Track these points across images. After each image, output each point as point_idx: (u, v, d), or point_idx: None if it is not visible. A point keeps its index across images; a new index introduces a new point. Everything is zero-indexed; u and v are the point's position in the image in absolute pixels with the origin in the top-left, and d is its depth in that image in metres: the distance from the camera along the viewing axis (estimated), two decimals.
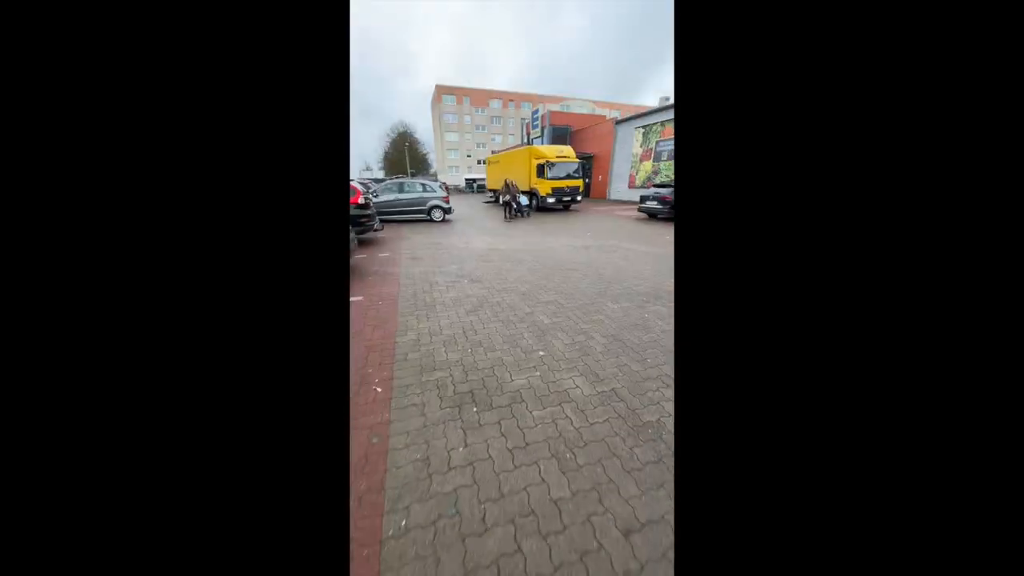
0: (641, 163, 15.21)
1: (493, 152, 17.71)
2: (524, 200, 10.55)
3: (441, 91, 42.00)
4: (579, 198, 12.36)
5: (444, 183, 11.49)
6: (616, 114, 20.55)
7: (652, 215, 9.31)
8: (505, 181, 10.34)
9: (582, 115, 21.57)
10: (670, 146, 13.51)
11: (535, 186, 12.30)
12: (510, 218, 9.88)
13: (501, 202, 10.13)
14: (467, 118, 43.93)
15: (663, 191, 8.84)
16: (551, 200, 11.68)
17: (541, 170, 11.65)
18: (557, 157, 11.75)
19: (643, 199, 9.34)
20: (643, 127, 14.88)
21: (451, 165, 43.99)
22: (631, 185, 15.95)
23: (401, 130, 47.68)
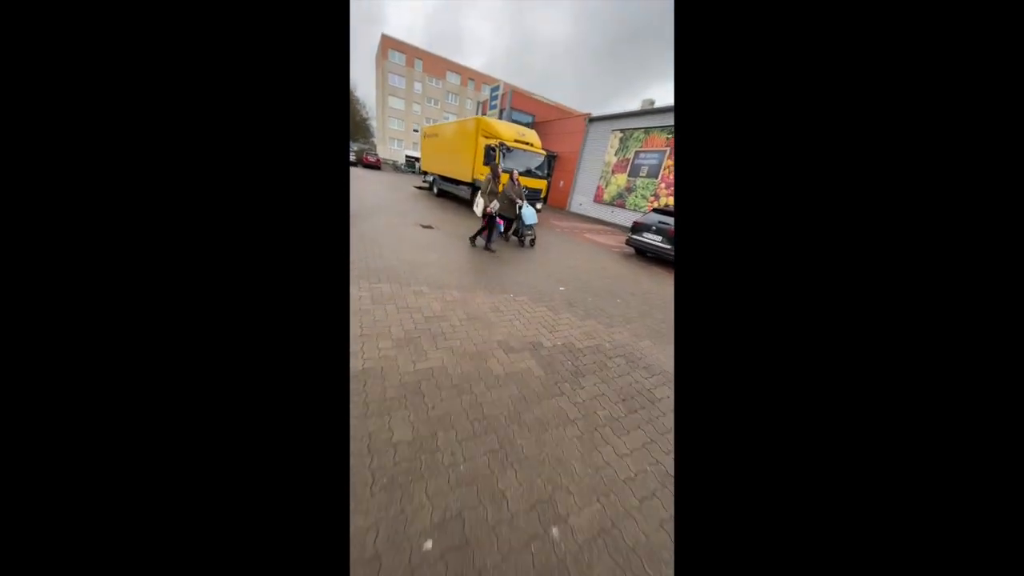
0: (613, 175, 12.51)
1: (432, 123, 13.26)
2: (531, 215, 5.53)
3: (388, 44, 35.00)
4: (539, 205, 8.94)
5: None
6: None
7: (642, 252, 6.29)
8: (493, 168, 5.11)
9: (549, 105, 18.39)
10: (654, 160, 10.95)
11: (479, 177, 8.45)
12: (491, 246, 4.99)
13: (481, 212, 5.07)
14: (417, 85, 37.64)
15: (671, 223, 5.82)
16: None
17: (490, 155, 7.86)
18: (516, 141, 8.09)
19: (638, 228, 6.18)
20: (622, 131, 12.16)
21: (393, 136, 37.33)
22: (598, 198, 13.20)
23: None
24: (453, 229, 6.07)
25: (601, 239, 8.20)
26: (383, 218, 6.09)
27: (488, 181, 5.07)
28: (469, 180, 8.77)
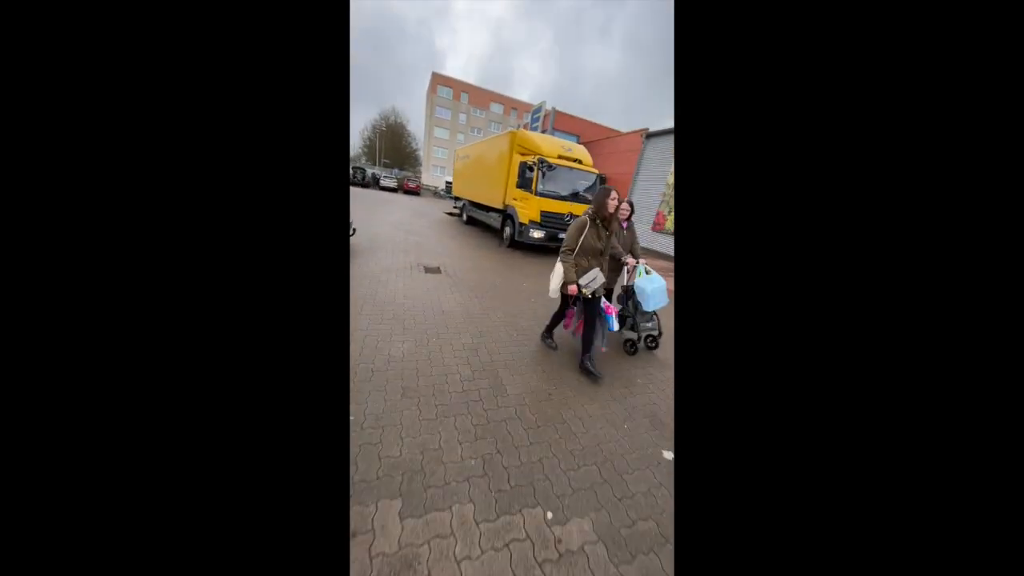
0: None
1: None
2: (659, 293, 2.47)
3: (437, 81, 36.84)
4: None
5: None
6: None
7: None
8: (598, 200, 2.02)
9: (596, 125, 16.79)
10: None
11: (512, 203, 6.71)
12: (590, 360, 2.21)
13: (558, 287, 2.18)
14: (462, 116, 38.84)
15: None
16: (537, 234, 6.12)
17: (527, 175, 6.12)
18: (560, 157, 6.31)
19: None
20: None
21: (436, 164, 38.43)
22: (657, 227, 10.87)
23: (392, 120, 41.79)
24: (466, 274, 4.27)
25: None
26: (385, 256, 4.50)
27: (584, 224, 2.05)
28: (500, 207, 7.10)
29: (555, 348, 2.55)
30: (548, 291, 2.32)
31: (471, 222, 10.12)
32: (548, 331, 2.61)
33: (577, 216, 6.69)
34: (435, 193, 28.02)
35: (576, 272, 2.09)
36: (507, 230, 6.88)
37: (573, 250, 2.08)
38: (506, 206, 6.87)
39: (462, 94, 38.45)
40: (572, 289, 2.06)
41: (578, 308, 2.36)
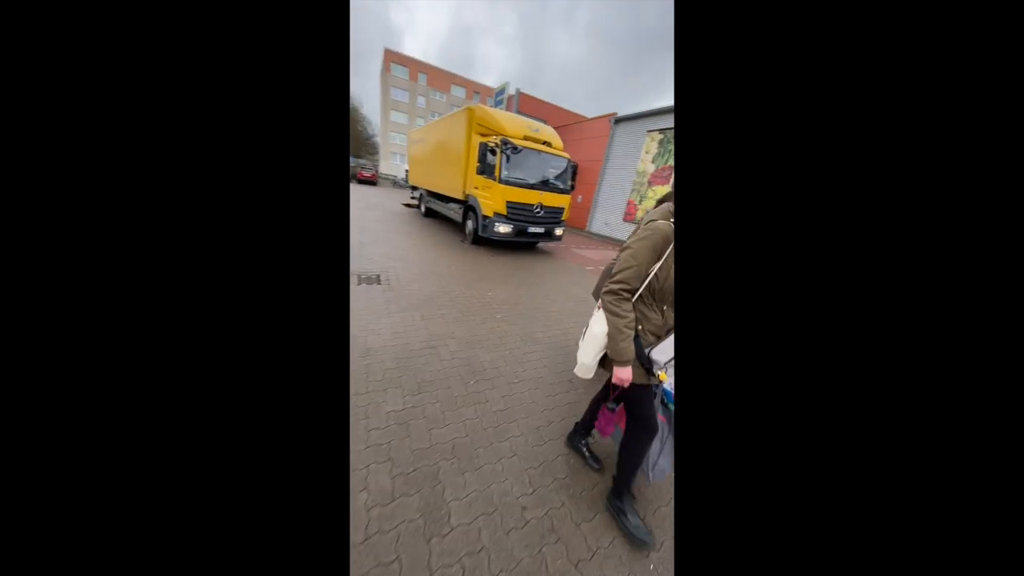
0: (651, 187, 9.79)
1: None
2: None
3: (391, 59, 33.90)
4: (559, 230, 6.26)
5: None
6: None
7: None
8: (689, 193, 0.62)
9: (564, 110, 16.04)
10: None
11: (473, 192, 5.79)
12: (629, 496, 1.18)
13: (591, 364, 1.07)
14: (420, 99, 36.29)
15: None
16: (504, 229, 5.29)
17: (488, 159, 5.23)
18: (527, 139, 5.48)
19: None
20: (661, 132, 9.53)
21: (395, 151, 35.81)
22: (629, 217, 10.46)
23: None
24: (413, 284, 3.36)
25: None
26: None
27: (665, 239, 0.88)
28: (461, 196, 6.17)
29: (599, 468, 1.40)
30: (565, 357, 1.38)
31: (430, 214, 9.05)
32: (582, 431, 1.46)
33: (549, 208, 6.02)
34: (394, 183, 26.01)
35: (638, 333, 0.97)
36: (469, 224, 5.99)
37: (635, 290, 0.94)
38: (467, 196, 5.95)
39: (419, 75, 35.79)
40: (625, 375, 0.95)
41: (633, 403, 1.08)
